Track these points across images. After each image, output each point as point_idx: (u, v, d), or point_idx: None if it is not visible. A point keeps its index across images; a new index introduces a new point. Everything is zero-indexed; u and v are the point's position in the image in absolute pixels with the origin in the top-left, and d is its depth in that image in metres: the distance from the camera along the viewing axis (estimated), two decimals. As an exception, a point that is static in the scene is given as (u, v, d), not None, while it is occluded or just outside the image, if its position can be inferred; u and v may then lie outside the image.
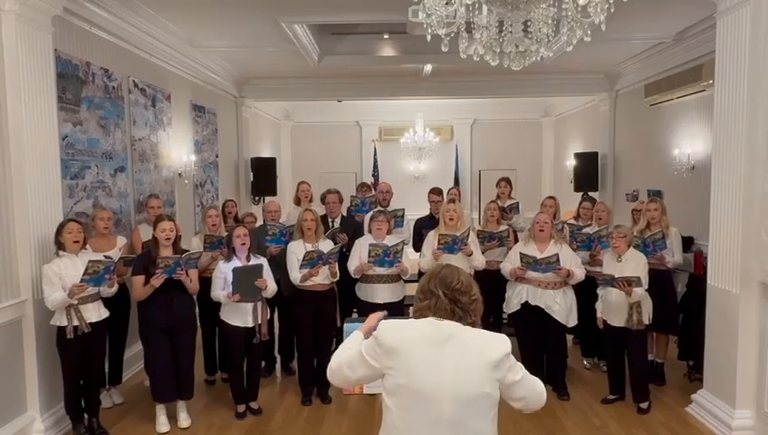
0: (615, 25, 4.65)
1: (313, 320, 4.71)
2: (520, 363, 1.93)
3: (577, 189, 9.41)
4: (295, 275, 4.61)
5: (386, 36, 7.51)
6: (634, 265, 4.44)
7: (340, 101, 11.10)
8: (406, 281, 5.01)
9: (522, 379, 1.89)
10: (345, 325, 2.78)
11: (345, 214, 5.80)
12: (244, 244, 4.44)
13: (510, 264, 4.81)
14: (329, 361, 4.76)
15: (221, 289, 4.37)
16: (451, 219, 4.93)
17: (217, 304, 4.48)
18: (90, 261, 3.84)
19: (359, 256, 4.79)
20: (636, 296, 4.34)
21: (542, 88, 9.19)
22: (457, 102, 11.36)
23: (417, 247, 5.49)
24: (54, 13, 4.17)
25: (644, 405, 4.54)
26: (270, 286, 4.45)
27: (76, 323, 3.86)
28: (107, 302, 4.16)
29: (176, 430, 4.31)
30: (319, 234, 4.76)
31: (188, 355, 4.36)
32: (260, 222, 5.69)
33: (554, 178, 12.06)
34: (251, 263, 4.44)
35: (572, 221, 5.82)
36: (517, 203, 6.10)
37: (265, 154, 10.36)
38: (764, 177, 3.85)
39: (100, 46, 5.05)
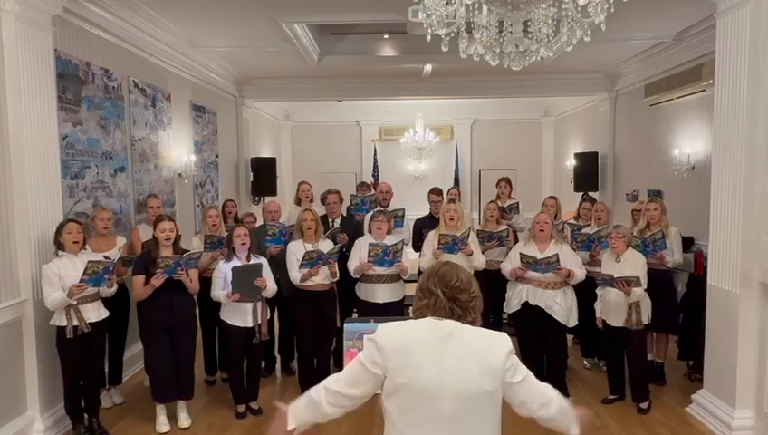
0: (615, 25, 4.65)
1: (313, 320, 4.71)
2: (525, 367, 1.90)
3: (577, 189, 9.41)
4: (295, 274, 4.61)
5: (386, 36, 7.51)
6: (633, 265, 4.44)
7: (340, 101, 11.10)
8: (406, 281, 5.01)
9: (523, 381, 1.86)
10: (345, 325, 2.78)
11: (345, 213, 5.80)
12: (244, 244, 4.44)
13: (510, 264, 4.81)
14: (329, 361, 4.76)
15: (221, 289, 4.37)
16: (451, 219, 4.92)
17: (217, 304, 4.48)
18: (89, 261, 3.83)
19: (358, 256, 4.80)
20: (635, 296, 4.35)
21: (542, 88, 9.19)
22: (457, 102, 11.36)
23: (417, 247, 5.49)
24: (54, 13, 4.17)
25: (644, 405, 4.54)
26: (270, 286, 4.45)
27: (76, 323, 3.86)
28: (106, 302, 4.16)
29: (176, 430, 4.31)
30: (319, 234, 4.76)
31: (188, 355, 4.36)
32: (260, 222, 5.69)
33: (554, 178, 12.06)
34: (250, 262, 4.44)
35: (572, 221, 5.82)
36: (517, 203, 6.10)
37: (265, 154, 10.36)
38: (764, 177, 3.85)
39: (100, 46, 5.05)
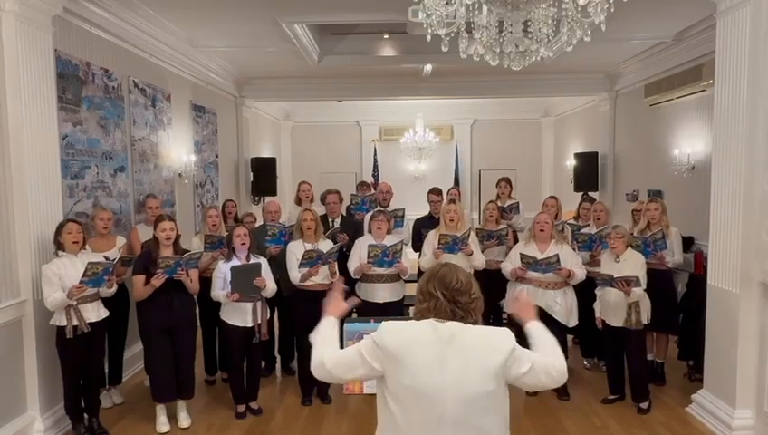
0: (615, 25, 4.65)
1: (313, 320, 4.67)
2: (529, 351, 1.93)
3: (577, 189, 9.41)
4: (294, 274, 4.61)
5: (386, 36, 7.51)
6: (632, 265, 4.44)
7: (340, 101, 11.10)
8: (405, 281, 5.01)
9: (530, 370, 1.88)
10: (345, 325, 2.78)
11: (345, 213, 5.80)
12: (243, 243, 4.44)
13: (510, 264, 4.81)
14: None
15: (221, 289, 4.37)
16: (451, 220, 4.92)
17: (217, 304, 4.48)
18: (89, 263, 3.83)
19: (358, 257, 4.80)
20: (635, 296, 4.35)
21: (542, 88, 9.19)
22: (457, 102, 11.36)
23: (417, 247, 5.49)
24: (54, 13, 4.17)
25: (644, 405, 4.54)
26: (269, 286, 4.45)
27: (75, 322, 3.86)
28: (106, 302, 4.16)
29: (176, 430, 4.31)
30: (318, 234, 4.76)
31: (189, 355, 4.36)
32: (260, 222, 5.69)
33: (554, 178, 12.06)
34: (250, 262, 4.44)
35: (572, 221, 5.82)
36: (517, 203, 6.10)
37: (265, 154, 10.36)
38: (764, 177, 3.85)
39: (100, 46, 5.05)
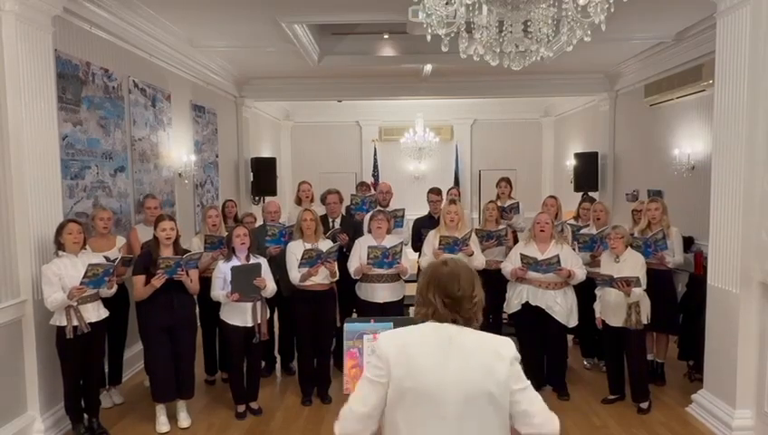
0: (615, 25, 4.65)
1: (313, 320, 4.71)
2: (527, 379, 1.86)
3: (577, 189, 9.41)
4: (294, 274, 4.61)
5: (386, 36, 7.51)
6: (632, 265, 4.44)
7: (340, 101, 11.10)
8: (405, 281, 5.01)
9: (526, 390, 1.83)
10: (345, 325, 2.78)
11: (344, 213, 5.80)
12: (243, 243, 4.44)
13: (510, 264, 4.81)
14: (329, 360, 4.76)
15: (221, 289, 4.38)
16: (452, 220, 4.93)
17: (217, 304, 4.48)
18: (89, 264, 3.83)
19: (358, 257, 4.80)
20: (635, 296, 4.35)
21: (542, 88, 9.19)
22: (457, 102, 11.36)
23: (417, 247, 5.49)
24: (54, 13, 4.17)
25: (644, 405, 4.54)
26: (269, 286, 4.46)
27: (75, 323, 3.86)
28: (106, 302, 4.16)
29: (176, 430, 4.31)
30: (318, 234, 4.76)
31: (189, 355, 4.36)
32: (260, 222, 5.69)
33: (554, 178, 12.06)
34: (250, 262, 4.44)
35: (572, 222, 5.82)
36: (517, 203, 6.10)
37: (265, 154, 10.36)
38: (764, 177, 3.85)
39: (100, 46, 5.05)
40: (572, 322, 4.77)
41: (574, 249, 4.97)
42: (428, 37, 3.01)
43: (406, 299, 5.01)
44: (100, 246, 4.44)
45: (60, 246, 3.94)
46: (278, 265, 4.83)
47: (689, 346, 5.06)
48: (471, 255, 4.84)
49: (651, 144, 7.59)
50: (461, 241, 4.77)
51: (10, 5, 3.76)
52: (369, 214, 5.18)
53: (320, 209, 5.39)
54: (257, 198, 9.45)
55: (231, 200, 6.04)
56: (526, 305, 4.73)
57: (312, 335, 4.73)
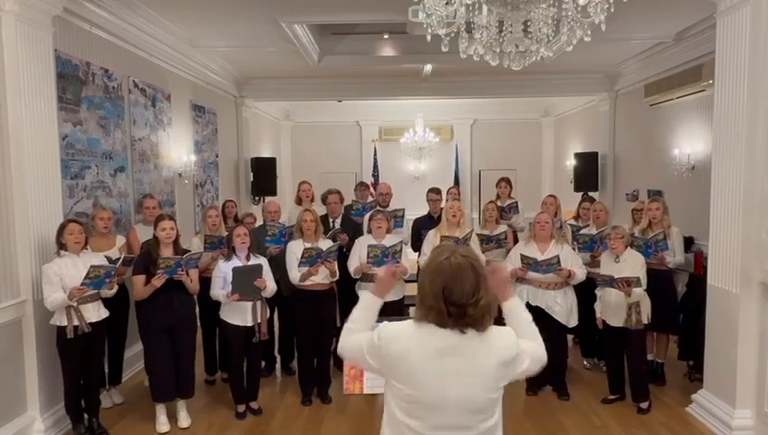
0: (615, 25, 4.65)
1: (313, 320, 4.71)
2: (523, 346, 1.86)
3: (577, 189, 9.41)
4: (294, 274, 4.61)
5: (386, 36, 7.51)
6: (632, 265, 4.44)
7: (340, 101, 11.10)
8: (405, 281, 5.01)
9: (527, 365, 1.87)
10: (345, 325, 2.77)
11: (343, 212, 5.80)
12: (244, 243, 4.44)
13: (510, 264, 4.81)
14: (329, 360, 4.75)
15: (221, 288, 4.38)
16: (454, 216, 4.95)
17: (217, 304, 4.48)
18: (91, 266, 3.83)
19: (358, 256, 4.80)
20: (635, 296, 4.35)
21: (542, 88, 9.19)
22: (457, 102, 11.36)
23: (416, 247, 5.49)
24: (54, 13, 4.17)
25: (644, 405, 4.54)
26: (269, 286, 4.46)
27: (76, 322, 3.86)
28: (106, 302, 4.16)
29: (176, 430, 4.31)
30: (318, 234, 4.76)
31: (189, 354, 4.36)
32: (260, 222, 5.69)
33: (554, 178, 12.06)
34: (251, 262, 4.44)
35: (572, 222, 5.82)
36: (516, 203, 6.10)
37: (265, 154, 10.36)
38: (764, 177, 3.85)
39: (100, 46, 5.05)
40: (572, 322, 4.77)
41: (574, 249, 4.97)
42: (428, 37, 3.01)
43: (406, 299, 5.01)
44: (100, 245, 4.44)
45: (61, 246, 3.94)
46: (278, 265, 4.84)
47: (689, 346, 5.06)
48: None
49: (651, 144, 7.59)
50: (462, 241, 4.77)
51: (10, 5, 3.76)
52: (369, 213, 5.18)
53: (320, 209, 5.40)
54: (257, 198, 9.45)
55: (231, 200, 6.04)
56: (526, 305, 4.70)
57: (312, 335, 4.73)
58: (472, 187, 12.19)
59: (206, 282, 4.58)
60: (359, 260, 4.77)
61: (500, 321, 1.94)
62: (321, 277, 4.65)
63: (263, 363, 5.06)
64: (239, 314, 4.40)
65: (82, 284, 3.80)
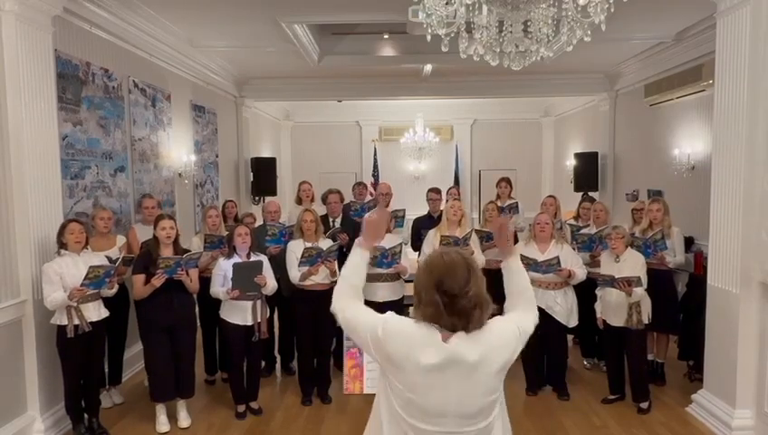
0: (615, 25, 4.65)
1: (313, 320, 4.71)
2: (523, 325, 1.93)
3: (577, 189, 9.41)
4: (294, 273, 4.61)
5: (386, 36, 7.51)
6: (632, 264, 4.44)
7: (340, 101, 11.10)
8: (405, 280, 5.01)
9: (522, 334, 1.93)
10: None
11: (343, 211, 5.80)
12: (245, 243, 4.45)
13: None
14: (329, 360, 4.74)
15: (220, 285, 4.38)
16: (455, 214, 4.96)
17: (217, 304, 4.49)
18: (91, 266, 3.83)
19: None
20: (636, 296, 4.35)
21: (542, 88, 9.19)
22: (457, 102, 11.36)
23: (416, 247, 5.49)
24: (54, 13, 4.17)
25: (644, 405, 4.54)
26: (270, 283, 4.46)
27: (76, 322, 3.86)
28: (106, 301, 4.16)
29: (176, 430, 4.31)
30: (319, 234, 4.76)
31: (189, 354, 4.36)
32: (260, 222, 5.69)
33: (554, 178, 12.06)
34: (251, 260, 4.45)
35: (572, 221, 5.82)
36: (516, 203, 6.10)
37: (265, 154, 10.36)
38: (764, 177, 3.85)
39: (100, 46, 5.05)
40: (572, 322, 4.77)
41: (573, 249, 4.97)
42: (428, 37, 3.00)
43: (405, 299, 5.00)
44: (100, 245, 4.44)
45: (62, 245, 3.94)
46: (278, 265, 4.84)
47: (689, 346, 5.06)
48: (471, 254, 4.84)
49: (651, 144, 7.59)
50: (462, 240, 4.77)
51: (10, 5, 3.76)
52: (368, 214, 5.17)
53: (320, 209, 5.40)
54: (257, 198, 9.45)
55: (231, 200, 6.04)
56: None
57: (312, 335, 4.73)
58: (472, 187, 12.19)
59: (205, 282, 4.58)
60: (358, 260, 4.76)
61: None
62: (322, 277, 4.65)
63: (263, 363, 5.06)
64: (239, 314, 4.40)
65: (82, 284, 3.80)
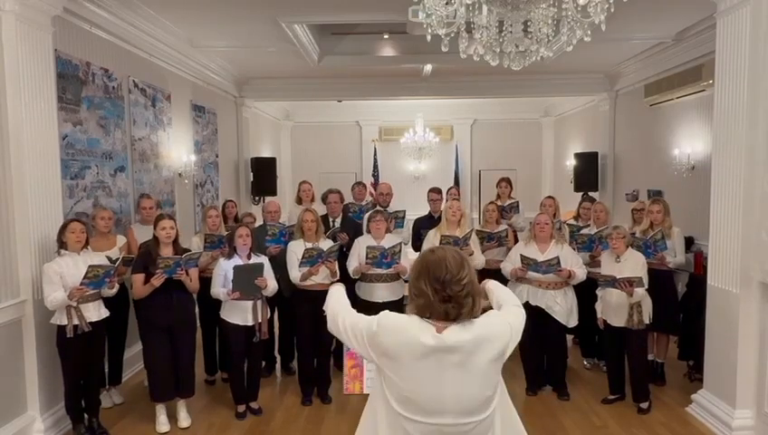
0: (615, 25, 4.65)
1: (313, 320, 4.70)
2: (515, 324, 1.93)
3: (577, 189, 9.41)
4: (295, 274, 4.61)
5: (386, 36, 7.51)
6: (633, 264, 4.44)
7: (340, 101, 11.10)
8: (405, 281, 5.01)
9: (517, 337, 1.92)
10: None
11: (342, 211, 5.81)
12: (245, 244, 4.45)
13: (510, 264, 4.81)
14: (329, 360, 4.75)
15: (221, 286, 4.38)
16: (453, 215, 4.96)
17: (218, 304, 4.49)
18: (90, 266, 3.83)
19: (357, 256, 4.80)
20: (637, 296, 4.35)
21: (542, 88, 9.19)
22: (457, 102, 11.36)
23: (417, 247, 5.49)
24: (54, 13, 4.17)
25: (644, 405, 4.54)
26: (270, 285, 4.46)
27: (76, 322, 3.86)
28: (106, 302, 4.16)
29: (176, 430, 4.31)
30: (319, 234, 4.76)
31: (189, 354, 4.36)
32: (260, 222, 5.69)
33: (554, 178, 12.06)
34: (252, 261, 4.44)
35: (572, 221, 5.82)
36: (517, 203, 6.10)
37: (265, 154, 10.36)
38: (764, 177, 3.85)
39: (100, 46, 5.05)
40: (572, 322, 4.77)
41: (574, 249, 4.97)
42: (428, 37, 3.00)
43: (405, 299, 5.00)
44: (100, 245, 4.44)
45: (62, 244, 3.94)
46: (278, 265, 4.84)
47: (689, 346, 5.06)
48: (471, 255, 4.85)
49: (651, 144, 7.59)
50: (462, 240, 4.77)
51: (10, 5, 3.76)
52: (368, 214, 5.18)
53: (320, 209, 5.40)
54: (257, 198, 9.45)
55: (231, 200, 6.04)
56: (526, 305, 4.66)
57: (312, 335, 4.72)
58: (472, 187, 12.18)
59: (205, 282, 4.58)
60: (358, 260, 4.78)
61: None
62: (322, 277, 4.65)
63: (263, 363, 5.06)
64: (240, 314, 4.40)
65: (81, 283, 3.80)
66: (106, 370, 4.64)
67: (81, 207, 4.74)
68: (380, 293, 4.80)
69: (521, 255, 4.68)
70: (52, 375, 4.08)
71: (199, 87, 7.40)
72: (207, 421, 4.47)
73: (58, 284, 3.82)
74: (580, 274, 4.68)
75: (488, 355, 1.80)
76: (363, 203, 6.18)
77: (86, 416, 4.14)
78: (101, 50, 5.07)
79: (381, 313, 1.91)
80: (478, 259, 4.93)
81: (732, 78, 4.05)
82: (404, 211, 5.64)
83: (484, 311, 1.89)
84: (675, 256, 4.86)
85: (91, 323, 3.94)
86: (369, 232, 4.94)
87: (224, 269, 4.39)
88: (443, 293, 1.78)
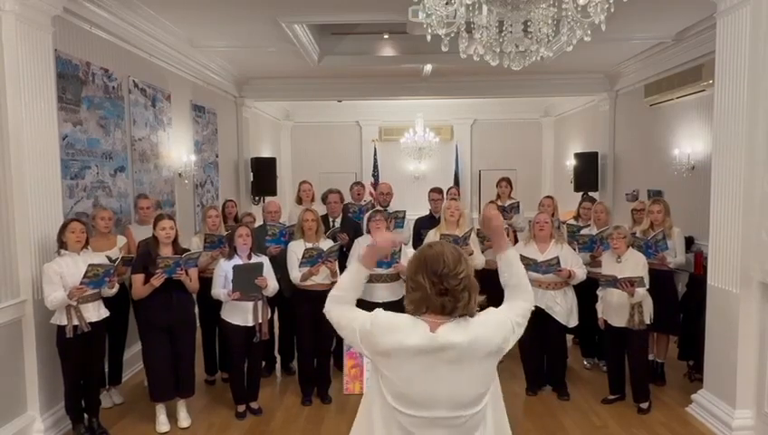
0: (615, 25, 4.65)
1: (313, 320, 4.70)
2: (517, 317, 1.93)
3: (577, 189, 9.41)
4: (295, 274, 4.61)
5: (386, 36, 7.51)
6: (633, 265, 4.44)
7: (340, 101, 11.10)
8: (405, 281, 5.01)
9: (519, 334, 1.91)
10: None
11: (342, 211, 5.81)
12: (246, 244, 4.45)
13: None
14: (329, 360, 4.76)
15: (221, 287, 4.38)
16: (452, 215, 4.95)
17: (218, 304, 4.48)
18: (89, 265, 3.83)
19: (357, 256, 4.79)
20: (638, 296, 4.35)
21: (542, 88, 9.19)
22: (457, 102, 11.36)
23: (417, 247, 5.48)
24: (54, 13, 4.17)
25: (644, 405, 4.54)
26: (271, 285, 4.46)
27: (76, 322, 3.86)
28: (106, 302, 4.16)
29: (176, 430, 4.31)
30: (319, 234, 4.76)
31: (188, 353, 4.36)
32: (259, 222, 5.69)
33: (554, 178, 12.06)
34: (252, 262, 4.44)
35: (572, 221, 5.82)
36: (517, 203, 6.10)
37: (265, 154, 10.36)
38: (764, 177, 3.85)
39: (100, 46, 5.05)
40: (572, 322, 4.77)
41: (574, 249, 4.97)
42: (428, 37, 3.01)
43: (405, 299, 5.00)
44: (101, 245, 4.44)
45: (62, 244, 3.94)
46: (278, 265, 4.84)
47: (689, 346, 5.06)
48: (471, 254, 4.84)
49: (651, 144, 7.58)
50: (461, 239, 4.77)
51: (10, 5, 3.76)
52: (368, 214, 5.19)
53: (320, 209, 5.40)
54: (257, 198, 9.45)
55: (231, 200, 6.04)
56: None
57: (312, 335, 4.72)
58: (472, 187, 12.19)
59: (205, 282, 4.58)
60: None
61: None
62: (322, 277, 4.65)
63: (263, 363, 5.06)
64: (240, 314, 4.40)
65: (81, 283, 3.80)
66: (106, 370, 4.64)
67: (81, 207, 4.74)
68: (380, 293, 4.79)
69: (520, 255, 4.65)
70: (52, 375, 4.08)
71: (199, 87, 7.40)
72: (207, 421, 4.47)
73: (58, 284, 3.82)
74: (580, 274, 4.68)
75: (483, 350, 1.80)
76: (362, 203, 6.18)
77: (86, 416, 4.14)
78: (101, 50, 5.07)
79: (375, 310, 1.93)
80: (478, 259, 4.92)
81: (732, 78, 4.05)
82: (404, 211, 5.64)
83: (481, 307, 1.88)
84: (675, 256, 4.86)
85: (90, 323, 3.94)
86: (368, 232, 4.94)
87: (224, 270, 4.39)
88: (440, 286, 1.79)
